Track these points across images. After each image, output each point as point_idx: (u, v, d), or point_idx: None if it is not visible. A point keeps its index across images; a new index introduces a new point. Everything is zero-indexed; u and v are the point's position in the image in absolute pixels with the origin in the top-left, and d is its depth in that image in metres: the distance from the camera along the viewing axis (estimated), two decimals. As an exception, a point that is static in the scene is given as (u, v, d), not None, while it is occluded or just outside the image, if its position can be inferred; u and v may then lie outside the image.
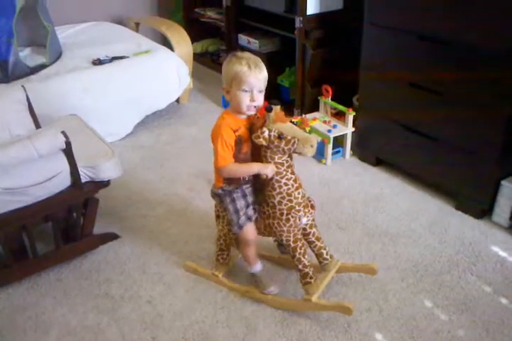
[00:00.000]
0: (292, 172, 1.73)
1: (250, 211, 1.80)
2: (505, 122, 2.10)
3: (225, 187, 1.79)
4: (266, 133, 1.63)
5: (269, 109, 1.63)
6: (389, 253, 2.19)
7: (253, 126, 1.72)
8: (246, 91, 1.64)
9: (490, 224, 2.34)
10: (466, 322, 1.84)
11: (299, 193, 1.75)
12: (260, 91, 1.67)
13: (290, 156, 1.72)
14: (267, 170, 1.68)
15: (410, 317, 1.87)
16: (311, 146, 1.64)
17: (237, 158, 1.72)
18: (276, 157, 1.68)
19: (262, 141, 1.64)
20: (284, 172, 1.70)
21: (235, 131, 1.68)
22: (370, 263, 2.05)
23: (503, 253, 2.16)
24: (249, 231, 1.81)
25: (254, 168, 1.70)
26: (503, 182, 2.23)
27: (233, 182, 1.77)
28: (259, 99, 1.67)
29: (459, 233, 2.29)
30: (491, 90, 2.09)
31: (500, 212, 2.28)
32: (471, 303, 1.92)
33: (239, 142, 1.70)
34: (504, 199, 2.24)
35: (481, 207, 2.35)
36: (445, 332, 1.80)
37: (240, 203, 1.78)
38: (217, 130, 1.68)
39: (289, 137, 1.63)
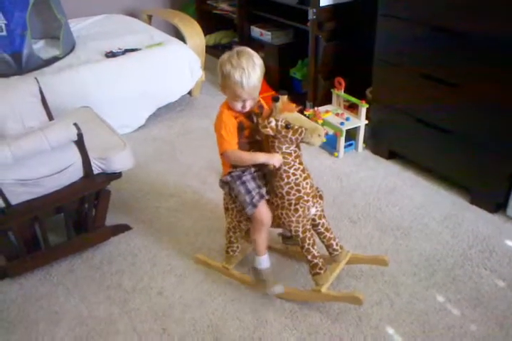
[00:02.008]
0: (300, 163, 1.72)
1: (263, 191, 1.77)
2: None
3: (233, 172, 1.78)
4: (273, 123, 1.62)
5: (276, 99, 1.62)
6: (401, 247, 2.17)
7: (260, 115, 1.72)
8: (237, 101, 1.68)
9: (505, 218, 2.31)
10: (478, 317, 1.82)
11: (307, 183, 1.73)
12: (254, 98, 1.70)
13: (298, 146, 1.71)
14: (274, 159, 1.67)
15: (422, 311, 1.85)
16: (319, 136, 1.63)
17: (239, 143, 1.73)
18: (283, 147, 1.67)
19: (269, 131, 1.63)
20: (292, 163, 1.69)
21: (235, 118, 1.71)
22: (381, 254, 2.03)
23: (517, 248, 2.14)
24: (264, 211, 1.77)
25: (261, 157, 1.69)
26: (519, 176, 2.20)
27: (241, 165, 1.77)
28: (253, 103, 1.71)
29: (473, 227, 2.26)
30: (505, 82, 2.04)
31: (515, 206, 2.25)
32: (484, 298, 1.90)
33: (241, 128, 1.72)
34: (519, 193, 2.21)
35: (495, 201, 2.31)
36: (457, 327, 1.79)
37: (251, 184, 1.76)
38: (219, 118, 1.72)
39: (296, 127, 1.62)
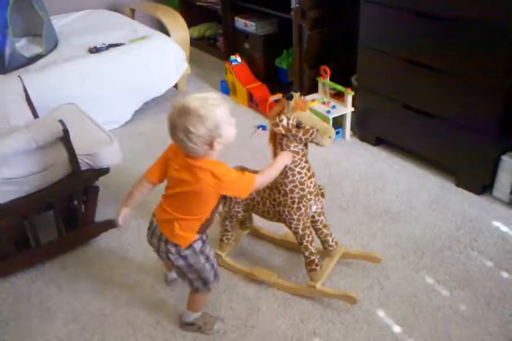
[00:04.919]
0: (306, 161, 1.70)
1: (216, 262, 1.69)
2: (504, 98, 2.07)
3: (196, 242, 1.56)
4: (284, 122, 1.60)
5: (289, 97, 1.59)
6: (390, 231, 2.19)
7: (271, 113, 1.66)
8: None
9: (491, 199, 2.33)
10: (467, 297, 1.85)
11: (311, 182, 1.72)
12: None
13: (306, 145, 1.68)
14: (290, 161, 1.65)
15: (412, 293, 1.88)
16: (330, 137, 1.61)
17: None
18: (292, 145, 1.65)
19: (281, 130, 1.61)
20: (299, 161, 1.67)
21: None
22: (373, 252, 2.03)
23: (504, 228, 2.16)
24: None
25: (281, 164, 1.63)
26: (503, 157, 2.21)
27: (206, 228, 1.60)
28: None
29: (460, 209, 2.29)
30: (489, 66, 2.05)
31: (500, 187, 2.27)
32: (472, 278, 1.93)
33: None
34: (504, 174, 2.22)
35: (481, 183, 2.34)
36: (446, 308, 1.81)
37: (212, 255, 1.64)
38: (224, 170, 1.46)
39: (307, 127, 1.60)
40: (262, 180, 1.56)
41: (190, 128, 1.35)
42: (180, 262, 1.57)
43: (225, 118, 1.40)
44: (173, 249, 1.55)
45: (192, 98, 1.39)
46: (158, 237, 1.57)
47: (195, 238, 1.56)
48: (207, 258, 1.61)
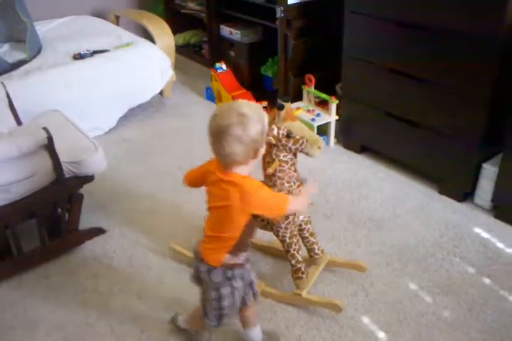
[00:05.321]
0: (295, 170, 1.72)
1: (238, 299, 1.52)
2: (485, 107, 2.11)
3: (217, 273, 1.46)
4: (275, 131, 1.61)
5: (280, 107, 1.60)
6: (374, 239, 2.21)
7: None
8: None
9: (472, 206, 2.38)
10: (450, 304, 1.87)
11: (299, 191, 1.74)
12: None
13: (295, 154, 1.71)
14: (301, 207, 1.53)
15: (396, 300, 1.90)
16: (319, 148, 1.63)
17: None
18: (281, 155, 1.67)
19: (272, 139, 1.62)
20: (288, 170, 1.69)
21: None
22: (358, 259, 2.05)
23: (485, 235, 2.19)
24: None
25: (303, 202, 1.49)
26: (485, 165, 2.26)
27: (238, 251, 1.46)
28: None
29: (443, 217, 2.32)
30: (475, 77, 2.09)
31: (481, 195, 2.31)
32: (455, 285, 1.95)
33: None
34: (485, 181, 2.26)
35: (463, 190, 2.37)
36: (430, 314, 1.83)
37: (227, 302, 1.49)
38: (256, 186, 1.38)
39: (297, 137, 1.62)
40: (296, 203, 1.45)
41: (248, 125, 1.27)
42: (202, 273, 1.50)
43: (266, 129, 1.35)
44: (201, 265, 1.49)
45: (241, 104, 1.33)
46: (195, 251, 1.53)
47: (224, 259, 1.45)
48: (218, 299, 1.48)
